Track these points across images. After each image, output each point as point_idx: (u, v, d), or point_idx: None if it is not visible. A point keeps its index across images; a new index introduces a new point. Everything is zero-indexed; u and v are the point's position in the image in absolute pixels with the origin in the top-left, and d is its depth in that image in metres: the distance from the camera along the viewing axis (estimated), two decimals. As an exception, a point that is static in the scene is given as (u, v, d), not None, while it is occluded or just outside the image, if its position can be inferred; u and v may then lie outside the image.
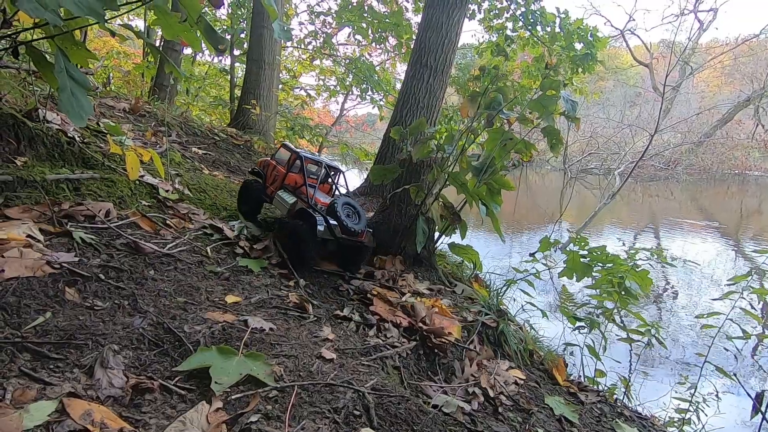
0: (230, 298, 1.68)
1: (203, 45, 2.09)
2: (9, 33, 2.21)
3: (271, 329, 1.52)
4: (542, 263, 3.04)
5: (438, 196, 2.82)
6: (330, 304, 2.08)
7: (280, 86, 9.17)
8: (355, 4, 10.32)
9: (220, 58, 11.32)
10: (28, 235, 1.56)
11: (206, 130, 4.86)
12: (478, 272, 3.16)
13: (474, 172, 3.07)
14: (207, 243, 2.19)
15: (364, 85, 10.75)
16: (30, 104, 2.43)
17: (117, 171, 2.44)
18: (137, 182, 2.45)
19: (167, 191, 2.57)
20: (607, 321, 2.52)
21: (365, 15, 10.21)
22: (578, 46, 9.91)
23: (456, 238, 3.11)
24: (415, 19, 10.79)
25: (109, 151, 2.62)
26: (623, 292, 2.93)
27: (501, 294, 2.42)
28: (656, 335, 2.34)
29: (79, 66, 2.44)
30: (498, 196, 2.99)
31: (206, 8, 10.68)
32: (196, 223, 2.37)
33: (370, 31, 10.46)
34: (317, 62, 12.00)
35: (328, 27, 11.19)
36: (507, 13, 10.05)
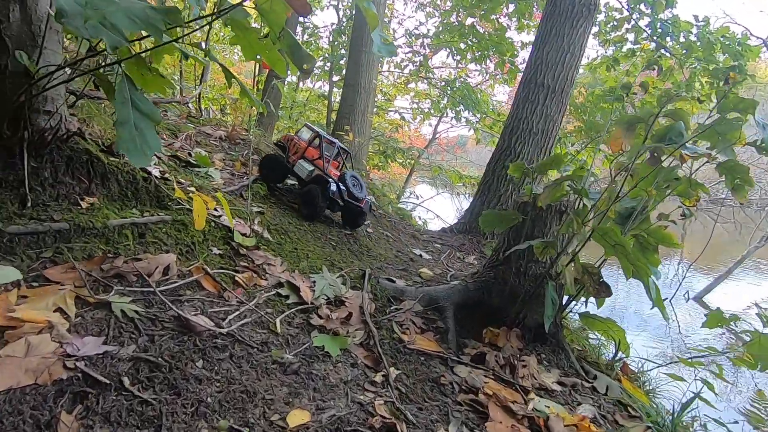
0: (294, 417, 1.18)
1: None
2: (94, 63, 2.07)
3: (346, 489, 0.98)
4: (727, 357, 2.14)
5: (575, 256, 2.11)
6: (429, 412, 1.50)
7: (375, 110, 8.98)
8: (456, 24, 9.87)
9: (320, 84, 11.59)
10: (58, 308, 1.23)
11: (298, 157, 4.65)
12: (624, 356, 2.32)
13: (618, 219, 2.32)
14: (278, 309, 1.76)
15: (460, 108, 10.17)
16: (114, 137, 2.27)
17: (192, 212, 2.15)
18: (213, 224, 2.14)
19: (244, 235, 2.22)
20: None
21: (465, 34, 9.69)
22: (720, 57, 8.35)
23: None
24: (518, 38, 10.02)
25: (189, 187, 2.39)
26: None
27: (679, 416, 1.62)
28: None
29: (150, 94, 2.23)
30: (653, 255, 2.20)
31: (310, 38, 11.04)
32: (270, 279, 1.97)
33: (468, 54, 9.91)
34: (412, 85, 11.74)
35: (425, 49, 10.89)
36: (628, 23, 8.84)
